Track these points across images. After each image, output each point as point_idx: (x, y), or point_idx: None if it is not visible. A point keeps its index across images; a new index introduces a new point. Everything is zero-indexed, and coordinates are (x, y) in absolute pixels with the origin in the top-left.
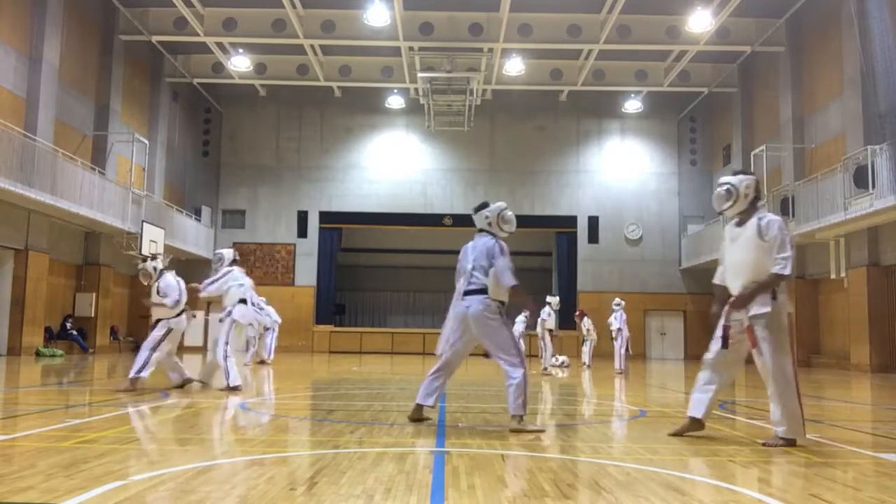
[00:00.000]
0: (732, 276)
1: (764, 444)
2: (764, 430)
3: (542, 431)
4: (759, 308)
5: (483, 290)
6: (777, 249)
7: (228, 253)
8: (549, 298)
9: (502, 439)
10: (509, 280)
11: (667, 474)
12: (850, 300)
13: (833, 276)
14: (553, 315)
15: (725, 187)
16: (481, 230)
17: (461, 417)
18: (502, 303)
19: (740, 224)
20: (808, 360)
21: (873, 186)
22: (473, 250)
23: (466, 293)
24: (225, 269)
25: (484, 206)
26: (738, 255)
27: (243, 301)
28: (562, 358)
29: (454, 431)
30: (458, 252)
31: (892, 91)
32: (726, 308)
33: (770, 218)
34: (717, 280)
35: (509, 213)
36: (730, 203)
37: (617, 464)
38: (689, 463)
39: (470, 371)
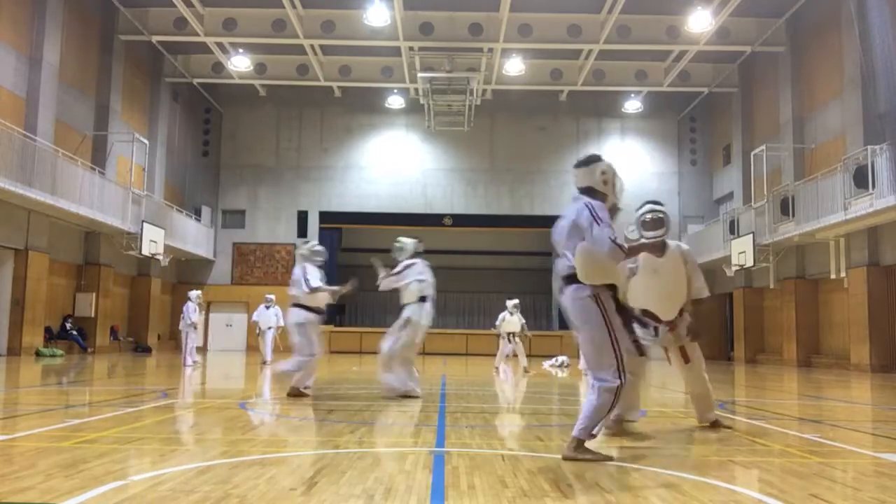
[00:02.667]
0: (667, 302)
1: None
2: (764, 429)
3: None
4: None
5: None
6: (699, 276)
7: (410, 243)
8: (507, 302)
9: (502, 439)
10: (604, 246)
11: (667, 474)
12: (850, 300)
13: (833, 276)
14: (513, 317)
15: (659, 215)
16: (586, 189)
17: (461, 417)
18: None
19: (660, 254)
20: (808, 360)
21: (873, 186)
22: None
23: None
24: (406, 262)
25: (597, 157)
26: (670, 283)
27: (423, 299)
28: (561, 358)
29: (454, 431)
30: (458, 252)
31: (892, 91)
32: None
33: (684, 245)
34: (639, 305)
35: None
36: (663, 230)
37: (617, 464)
38: (689, 463)
39: (470, 371)
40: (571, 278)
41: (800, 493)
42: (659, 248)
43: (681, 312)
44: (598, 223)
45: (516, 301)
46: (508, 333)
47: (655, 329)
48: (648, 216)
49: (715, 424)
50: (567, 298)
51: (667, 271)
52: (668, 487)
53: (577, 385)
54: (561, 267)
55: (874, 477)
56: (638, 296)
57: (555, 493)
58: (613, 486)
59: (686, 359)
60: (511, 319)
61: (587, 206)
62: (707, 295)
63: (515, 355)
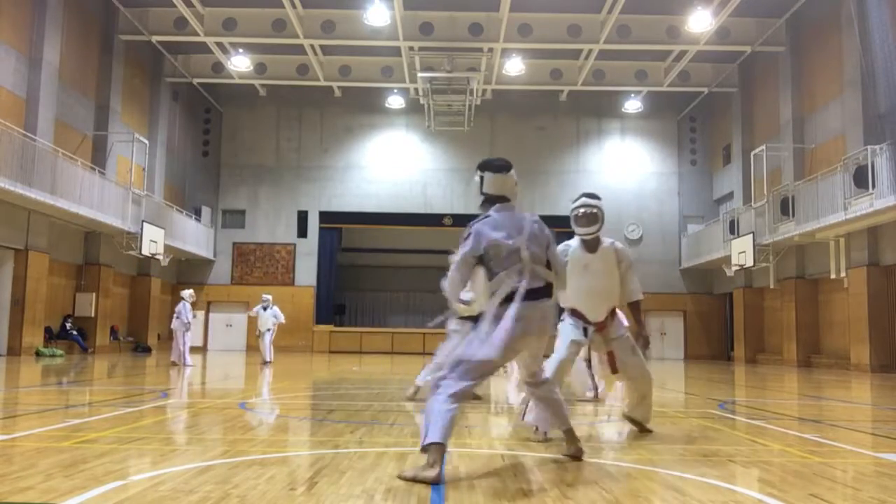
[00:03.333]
0: (595, 300)
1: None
2: (764, 429)
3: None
4: (621, 329)
5: (548, 290)
6: (633, 277)
7: None
8: None
9: (502, 439)
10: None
11: (667, 474)
12: (850, 300)
13: (833, 276)
14: None
15: (593, 210)
16: (501, 197)
17: (461, 417)
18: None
19: (592, 250)
20: (808, 360)
21: (873, 186)
22: (520, 230)
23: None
24: None
25: (510, 164)
26: (600, 282)
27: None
28: None
29: (454, 431)
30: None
31: (892, 91)
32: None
33: (619, 244)
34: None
35: None
36: (597, 226)
37: (617, 464)
38: (689, 463)
39: None
40: (549, 290)
41: (800, 493)
42: (592, 245)
43: (612, 314)
44: (554, 240)
45: None
46: None
47: (585, 330)
48: (581, 210)
49: (637, 423)
50: (549, 309)
51: (597, 269)
52: (668, 487)
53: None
54: (542, 276)
55: (874, 477)
56: (566, 293)
57: (555, 493)
58: (613, 486)
59: (613, 368)
60: None
61: (541, 222)
62: (641, 297)
63: None
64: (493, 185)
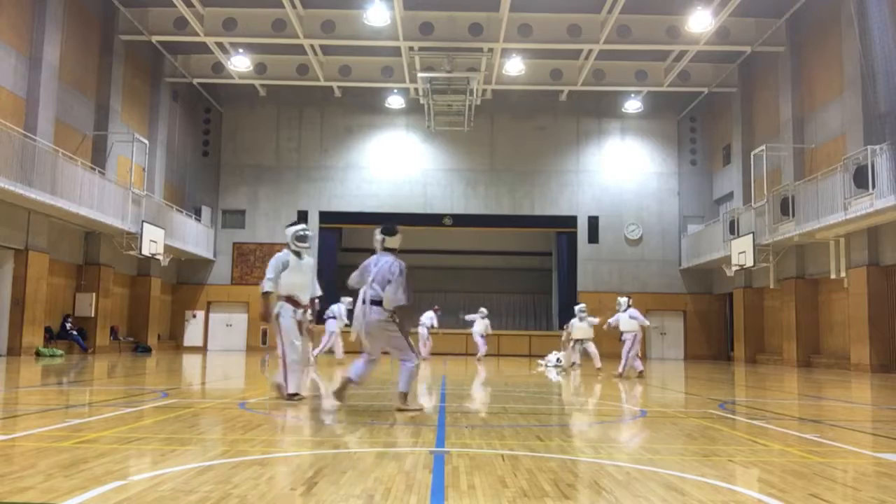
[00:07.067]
0: (303, 291)
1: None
2: (764, 429)
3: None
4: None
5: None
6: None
7: None
8: (575, 308)
9: (502, 439)
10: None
11: (667, 474)
12: (850, 300)
13: (833, 276)
14: (581, 323)
15: (307, 232)
16: (392, 250)
17: (461, 417)
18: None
19: (303, 258)
20: (808, 360)
21: (873, 186)
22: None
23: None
24: None
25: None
26: (305, 278)
27: None
28: (557, 355)
29: (454, 431)
30: (459, 252)
31: (892, 91)
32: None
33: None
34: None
35: None
36: (309, 242)
37: (617, 464)
38: (689, 463)
39: (470, 371)
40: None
41: (800, 493)
42: (303, 255)
43: (312, 302)
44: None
45: (583, 305)
46: (576, 340)
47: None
48: (301, 233)
49: (280, 389)
50: (376, 315)
51: (305, 270)
52: (668, 487)
53: (577, 385)
54: (374, 294)
55: (874, 477)
56: (289, 286)
57: (555, 493)
58: (613, 486)
59: (301, 332)
60: (580, 325)
61: (400, 264)
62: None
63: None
64: (392, 242)
